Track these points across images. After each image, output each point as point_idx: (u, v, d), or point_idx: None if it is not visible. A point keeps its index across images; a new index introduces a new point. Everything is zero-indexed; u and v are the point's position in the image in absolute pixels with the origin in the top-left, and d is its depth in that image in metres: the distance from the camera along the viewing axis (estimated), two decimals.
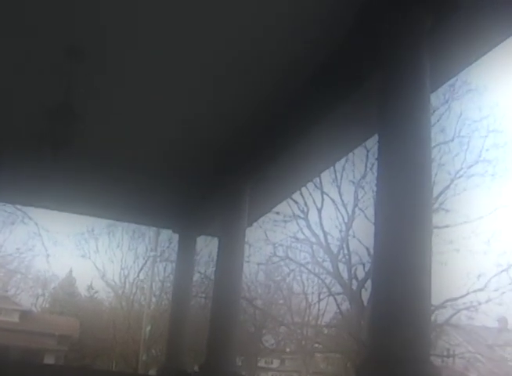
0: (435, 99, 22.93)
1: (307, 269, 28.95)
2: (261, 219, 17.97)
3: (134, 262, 37.43)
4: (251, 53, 6.77)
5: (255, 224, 13.14)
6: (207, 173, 9.81)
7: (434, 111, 24.27)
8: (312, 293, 31.41)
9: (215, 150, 9.15)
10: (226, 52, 6.81)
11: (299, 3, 5.99)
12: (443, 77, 6.34)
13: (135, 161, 9.87)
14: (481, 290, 25.34)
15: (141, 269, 36.95)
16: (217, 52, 6.79)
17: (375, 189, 5.65)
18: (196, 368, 12.19)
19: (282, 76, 7.04)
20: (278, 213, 25.55)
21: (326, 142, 7.60)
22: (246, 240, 9.25)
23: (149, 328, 30.67)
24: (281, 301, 33.44)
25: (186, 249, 11.95)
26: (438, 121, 24.72)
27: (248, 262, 27.62)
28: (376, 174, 5.48)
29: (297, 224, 27.33)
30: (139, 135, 9.00)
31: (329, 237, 26.90)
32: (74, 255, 38.59)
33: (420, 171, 5.07)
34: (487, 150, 25.56)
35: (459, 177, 25.53)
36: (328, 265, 27.32)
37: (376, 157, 6.45)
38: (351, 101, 6.61)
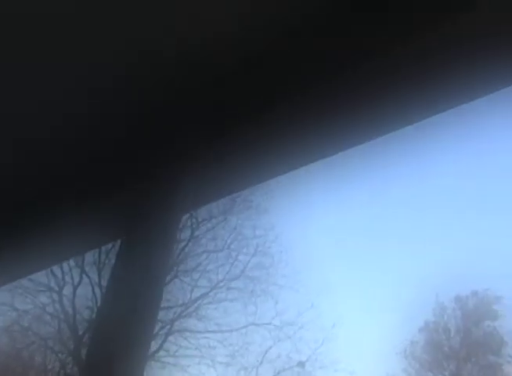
0: (215, 207, 23.50)
1: (47, 344, 28.02)
2: (13, 283, 17.35)
3: None
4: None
5: (3, 287, 12.67)
6: None
7: (210, 218, 24.86)
8: (53, 368, 30.32)
9: None
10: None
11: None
12: (205, 200, 6.40)
13: None
14: None
15: None
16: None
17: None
18: None
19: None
20: (31, 280, 24.66)
21: (72, 235, 7.55)
22: None
23: None
24: (20, 370, 31.95)
25: None
26: (213, 228, 25.31)
27: None
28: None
29: (50, 296, 26.52)
30: None
31: (78, 317, 26.31)
32: None
33: (151, 287, 5.12)
34: (251, 267, 26.27)
35: (220, 287, 25.99)
36: (71, 344, 26.61)
37: None
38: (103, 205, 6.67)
